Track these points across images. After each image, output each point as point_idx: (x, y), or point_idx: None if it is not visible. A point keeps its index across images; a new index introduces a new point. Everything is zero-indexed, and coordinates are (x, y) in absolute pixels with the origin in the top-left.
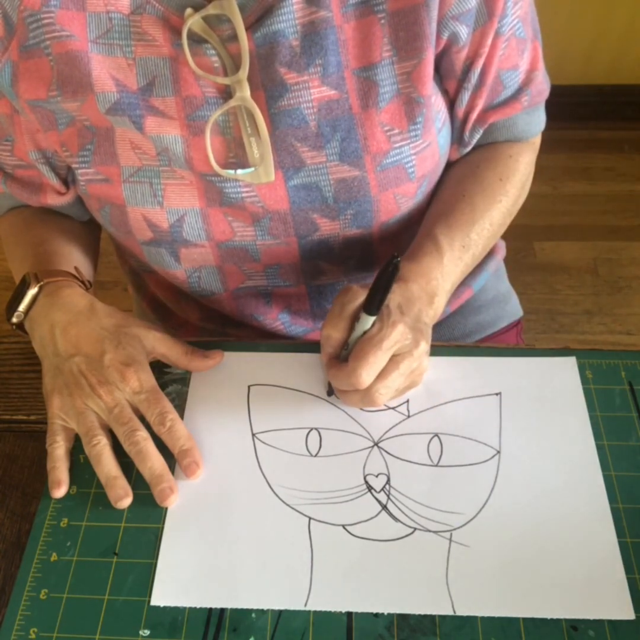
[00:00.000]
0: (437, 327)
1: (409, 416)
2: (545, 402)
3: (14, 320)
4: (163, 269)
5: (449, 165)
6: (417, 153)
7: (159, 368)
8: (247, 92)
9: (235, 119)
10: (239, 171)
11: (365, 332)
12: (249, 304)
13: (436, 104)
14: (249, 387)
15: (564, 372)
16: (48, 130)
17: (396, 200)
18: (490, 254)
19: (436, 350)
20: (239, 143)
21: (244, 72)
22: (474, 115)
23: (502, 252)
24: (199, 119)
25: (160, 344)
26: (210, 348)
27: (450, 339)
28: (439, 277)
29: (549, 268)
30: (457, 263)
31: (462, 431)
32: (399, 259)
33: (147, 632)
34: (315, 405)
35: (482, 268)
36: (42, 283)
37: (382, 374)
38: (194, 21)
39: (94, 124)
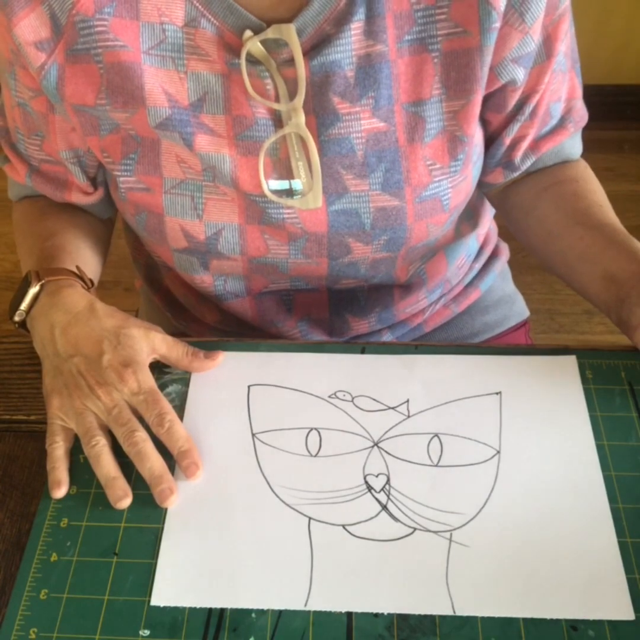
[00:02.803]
0: (446, 326)
1: (409, 416)
2: (546, 402)
3: (16, 319)
4: (189, 275)
5: (506, 196)
6: (454, 186)
7: (159, 368)
8: (302, 119)
9: (283, 142)
10: (289, 199)
11: None
12: (270, 309)
13: (476, 138)
14: (249, 387)
15: (564, 372)
16: (89, 135)
17: (428, 229)
18: (495, 256)
19: (436, 349)
20: (284, 165)
21: (300, 100)
22: (524, 144)
23: (506, 254)
24: (248, 139)
25: (161, 345)
26: (210, 348)
27: (458, 338)
28: None
29: None
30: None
31: (462, 431)
32: None
33: (147, 632)
34: (315, 405)
35: (489, 269)
36: (42, 282)
37: None
38: (252, 44)
39: (140, 134)
